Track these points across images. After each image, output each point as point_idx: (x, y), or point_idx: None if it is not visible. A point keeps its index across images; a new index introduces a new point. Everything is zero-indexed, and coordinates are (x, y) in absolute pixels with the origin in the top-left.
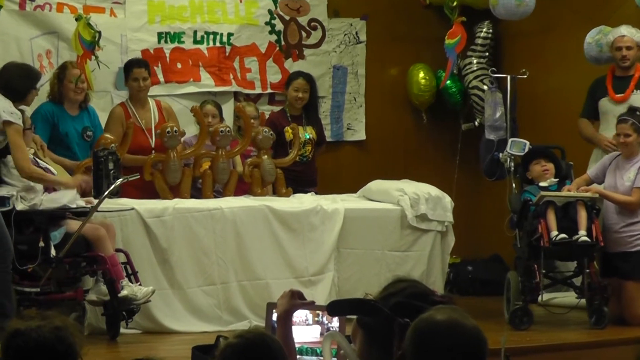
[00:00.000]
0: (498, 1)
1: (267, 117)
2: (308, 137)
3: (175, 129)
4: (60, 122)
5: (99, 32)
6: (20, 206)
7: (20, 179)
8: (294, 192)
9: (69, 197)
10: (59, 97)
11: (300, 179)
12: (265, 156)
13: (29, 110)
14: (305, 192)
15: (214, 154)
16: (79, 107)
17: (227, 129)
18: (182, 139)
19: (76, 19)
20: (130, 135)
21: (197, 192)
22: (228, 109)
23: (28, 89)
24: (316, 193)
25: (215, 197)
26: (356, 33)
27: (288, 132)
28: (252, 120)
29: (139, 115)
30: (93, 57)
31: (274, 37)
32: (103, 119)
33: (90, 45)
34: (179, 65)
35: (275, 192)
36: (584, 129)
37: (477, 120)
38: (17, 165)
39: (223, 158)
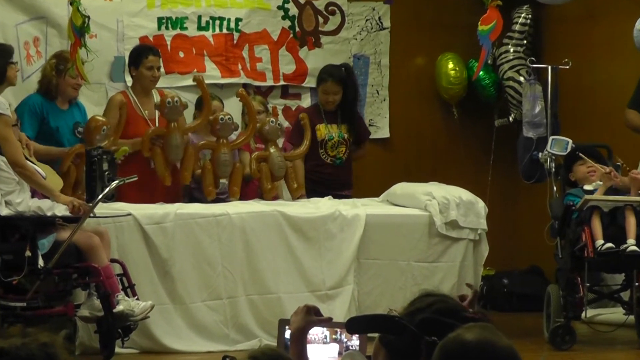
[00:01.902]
0: None
1: (278, 112)
2: (342, 136)
3: (176, 99)
4: (51, 116)
5: (88, 17)
6: (5, 211)
7: (5, 181)
8: (327, 195)
9: (59, 209)
10: (54, 91)
11: (333, 182)
12: (273, 149)
13: (14, 103)
14: (339, 196)
15: (215, 144)
16: (68, 101)
17: (228, 116)
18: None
19: (70, 3)
20: (124, 118)
21: (202, 195)
22: (236, 103)
23: (4, 66)
24: (350, 197)
25: (221, 200)
26: (379, 18)
27: (320, 131)
28: (257, 116)
29: (142, 105)
30: (82, 45)
31: (287, 23)
32: (97, 113)
33: (79, 31)
34: (182, 55)
35: (287, 188)
36: (631, 119)
37: (512, 115)
38: (9, 160)
39: (225, 149)
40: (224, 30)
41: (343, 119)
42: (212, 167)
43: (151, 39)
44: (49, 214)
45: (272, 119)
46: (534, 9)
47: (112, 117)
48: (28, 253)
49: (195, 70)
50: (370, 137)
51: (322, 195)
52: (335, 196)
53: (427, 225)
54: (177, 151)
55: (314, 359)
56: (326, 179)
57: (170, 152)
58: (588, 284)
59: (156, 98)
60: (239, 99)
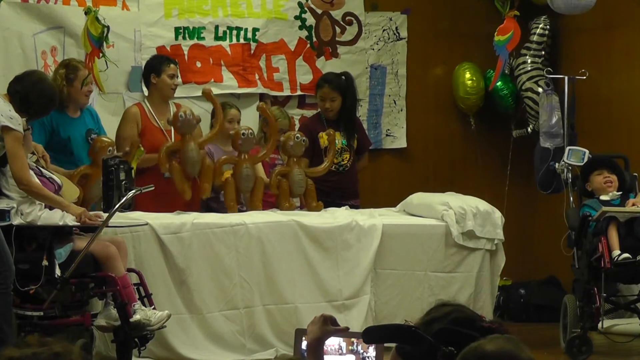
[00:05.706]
0: None
1: (295, 122)
2: (345, 143)
3: (188, 112)
4: (61, 126)
5: (108, 27)
6: (17, 220)
7: (19, 191)
8: (332, 205)
9: (70, 218)
10: (66, 101)
11: (337, 191)
12: (295, 165)
13: None
14: (344, 205)
15: (236, 159)
16: (79, 108)
17: (250, 131)
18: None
19: (85, 13)
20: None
21: (219, 205)
22: (253, 112)
23: (39, 114)
24: (358, 206)
25: (239, 210)
26: (396, 29)
27: (323, 138)
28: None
29: (158, 116)
30: (101, 55)
31: (304, 33)
32: (114, 124)
33: (98, 41)
34: (199, 64)
35: (305, 206)
36: None
37: (531, 126)
38: (14, 176)
39: (247, 163)
40: (241, 40)
41: (344, 126)
42: (234, 181)
43: (168, 48)
44: (60, 223)
45: (298, 134)
46: (552, 19)
47: (128, 129)
48: (45, 262)
49: (213, 80)
50: (388, 147)
51: (328, 206)
52: (343, 206)
53: (443, 235)
54: (194, 164)
55: None
56: (333, 188)
57: (187, 165)
58: (605, 295)
59: (172, 109)
60: (259, 111)
